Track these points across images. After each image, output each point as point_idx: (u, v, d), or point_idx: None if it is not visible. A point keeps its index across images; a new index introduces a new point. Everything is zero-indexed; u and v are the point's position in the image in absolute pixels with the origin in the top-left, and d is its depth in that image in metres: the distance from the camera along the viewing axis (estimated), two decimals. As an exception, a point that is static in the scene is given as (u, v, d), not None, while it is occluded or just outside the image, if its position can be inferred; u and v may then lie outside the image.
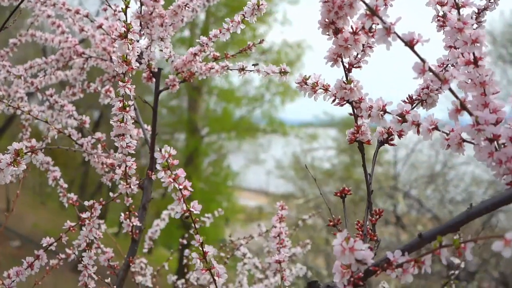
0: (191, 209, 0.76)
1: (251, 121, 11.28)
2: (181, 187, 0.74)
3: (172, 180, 0.74)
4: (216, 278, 0.77)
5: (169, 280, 1.58)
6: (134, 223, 1.12)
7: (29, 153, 0.80)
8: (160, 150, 0.73)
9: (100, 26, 1.23)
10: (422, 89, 0.82)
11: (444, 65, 0.83)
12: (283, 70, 1.04)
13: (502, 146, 0.64)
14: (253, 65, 1.10)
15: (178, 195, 0.75)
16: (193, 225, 0.77)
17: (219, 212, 1.66)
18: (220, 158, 11.50)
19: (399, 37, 0.60)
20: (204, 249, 0.78)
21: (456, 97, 0.62)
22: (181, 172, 0.75)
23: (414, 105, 0.83)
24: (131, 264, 1.15)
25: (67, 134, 1.15)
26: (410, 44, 0.60)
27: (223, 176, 11.25)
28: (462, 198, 6.67)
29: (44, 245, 1.06)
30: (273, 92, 11.07)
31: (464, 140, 0.65)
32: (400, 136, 0.80)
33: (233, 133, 11.21)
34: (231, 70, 1.14)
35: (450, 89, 0.61)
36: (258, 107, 11.25)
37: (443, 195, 6.22)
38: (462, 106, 0.61)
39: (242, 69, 1.12)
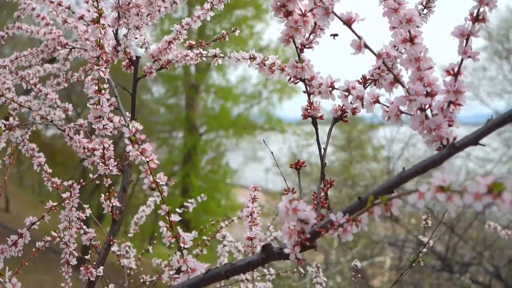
0: (158, 180, 0.81)
1: (248, 119, 11.34)
2: (148, 159, 0.80)
3: (139, 153, 0.79)
4: (182, 245, 0.83)
5: (154, 263, 1.64)
6: (114, 204, 1.18)
7: (7, 131, 0.86)
8: (128, 126, 0.78)
9: (81, 17, 1.28)
10: (375, 69, 0.88)
11: (395, 47, 0.89)
12: (252, 56, 1.10)
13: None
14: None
15: (145, 168, 0.80)
16: (160, 195, 0.83)
17: (202, 198, 1.72)
18: (218, 156, 11.56)
19: (337, 16, 0.66)
20: (170, 218, 0.83)
21: (390, 71, 0.67)
22: (148, 146, 0.80)
23: (367, 84, 0.88)
24: (111, 243, 1.21)
25: (49, 120, 1.21)
26: (348, 22, 0.66)
27: (221, 174, 11.30)
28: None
29: (27, 224, 1.12)
30: (271, 90, 11.13)
31: (401, 112, 0.71)
32: (354, 113, 0.85)
33: (231, 131, 11.27)
34: (205, 57, 1.20)
35: (384, 63, 0.66)
36: (255, 105, 11.32)
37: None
38: (395, 79, 0.67)
39: (215, 56, 1.18)
